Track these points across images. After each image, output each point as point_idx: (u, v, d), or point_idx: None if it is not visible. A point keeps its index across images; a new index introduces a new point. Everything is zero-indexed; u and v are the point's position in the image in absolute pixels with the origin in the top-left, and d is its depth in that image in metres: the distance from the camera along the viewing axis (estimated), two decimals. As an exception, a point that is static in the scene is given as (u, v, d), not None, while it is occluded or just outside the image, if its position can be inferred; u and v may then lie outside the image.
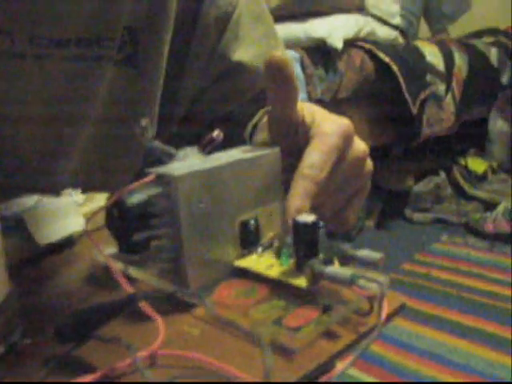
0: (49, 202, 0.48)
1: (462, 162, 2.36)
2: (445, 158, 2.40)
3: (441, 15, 2.45)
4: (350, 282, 0.32)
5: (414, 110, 1.85)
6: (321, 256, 0.35)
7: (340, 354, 0.31)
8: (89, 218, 0.50)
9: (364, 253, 0.35)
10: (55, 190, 0.53)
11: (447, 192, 2.18)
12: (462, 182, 2.26)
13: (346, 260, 0.35)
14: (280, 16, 1.72)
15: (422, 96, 1.91)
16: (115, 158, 0.60)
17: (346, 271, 0.32)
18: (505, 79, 2.46)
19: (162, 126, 0.61)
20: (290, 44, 1.68)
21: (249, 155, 0.39)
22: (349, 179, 0.43)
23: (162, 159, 0.41)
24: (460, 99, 2.12)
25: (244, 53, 0.62)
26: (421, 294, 1.54)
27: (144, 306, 0.33)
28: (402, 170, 2.35)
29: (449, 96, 2.07)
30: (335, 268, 0.33)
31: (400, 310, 0.35)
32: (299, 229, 0.34)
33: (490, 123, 2.46)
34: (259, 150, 0.40)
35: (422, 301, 1.49)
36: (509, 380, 1.17)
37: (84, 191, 0.55)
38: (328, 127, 0.41)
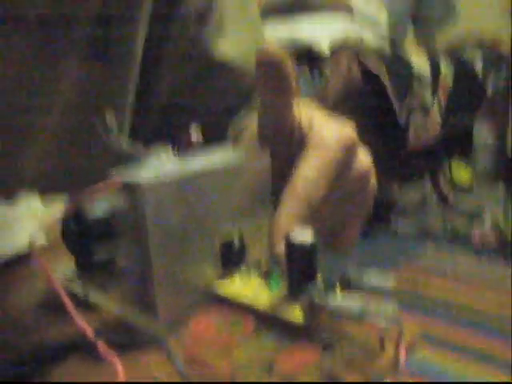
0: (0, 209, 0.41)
1: (447, 169, 2.32)
2: (430, 166, 2.37)
3: (429, 23, 2.44)
4: (358, 319, 0.26)
5: (402, 120, 1.82)
6: (319, 281, 0.29)
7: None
8: (46, 228, 0.44)
9: (373, 277, 0.29)
10: (10, 194, 0.46)
11: (432, 201, 2.14)
12: (447, 191, 2.22)
13: (349, 284, 0.29)
14: (264, 10, 1.67)
15: (409, 105, 1.87)
16: (80, 157, 0.54)
17: (353, 304, 0.26)
18: (489, 89, 2.45)
19: (135, 120, 0.55)
20: (275, 46, 1.63)
21: (233, 161, 0.33)
22: (349, 197, 0.37)
23: (130, 162, 0.34)
24: (446, 108, 2.09)
25: (228, 48, 0.56)
26: (408, 309, 1.48)
27: (102, 346, 0.26)
28: (387, 178, 2.31)
29: (435, 105, 2.04)
30: (339, 300, 0.27)
31: (414, 345, 0.29)
32: (294, 250, 0.28)
33: (475, 132, 2.44)
34: (245, 155, 0.34)
35: (409, 317, 1.43)
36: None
37: (43, 194, 0.48)
38: (328, 137, 0.35)
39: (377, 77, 1.79)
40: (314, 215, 0.34)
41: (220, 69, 0.56)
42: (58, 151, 0.53)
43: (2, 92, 0.49)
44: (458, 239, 1.96)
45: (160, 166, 0.32)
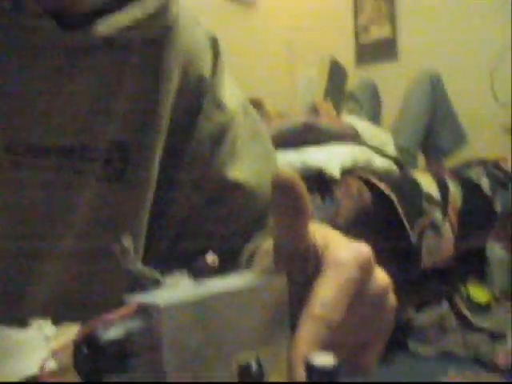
0: (11, 334, 0.41)
1: (464, 290, 2.28)
2: (445, 286, 2.33)
3: (438, 150, 2.52)
4: None
5: (414, 239, 1.82)
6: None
7: None
8: (55, 354, 0.43)
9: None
10: (22, 320, 0.46)
11: (452, 323, 2.08)
12: (465, 312, 2.16)
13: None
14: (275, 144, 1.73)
15: (421, 225, 1.88)
16: (96, 281, 0.54)
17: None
18: (498, 207, 2.47)
19: (149, 245, 0.55)
20: (286, 172, 1.68)
21: (250, 284, 0.33)
22: (368, 317, 0.36)
23: (147, 286, 0.34)
24: (457, 227, 2.10)
25: (240, 172, 0.58)
26: None
27: None
28: (401, 301, 2.26)
29: (446, 224, 2.05)
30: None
31: None
32: (315, 375, 0.27)
33: (488, 251, 2.42)
34: (262, 278, 0.34)
35: None
36: None
37: (56, 322, 0.47)
38: (344, 256, 0.35)
39: (387, 198, 1.82)
40: (332, 338, 0.33)
41: (233, 191, 0.58)
42: (71, 276, 0.53)
43: (18, 216, 0.50)
44: (481, 360, 1.87)
45: (177, 288, 0.32)
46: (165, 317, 0.27)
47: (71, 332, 0.47)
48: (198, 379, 0.29)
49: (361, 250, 0.36)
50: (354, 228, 1.82)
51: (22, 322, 0.45)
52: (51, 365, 0.41)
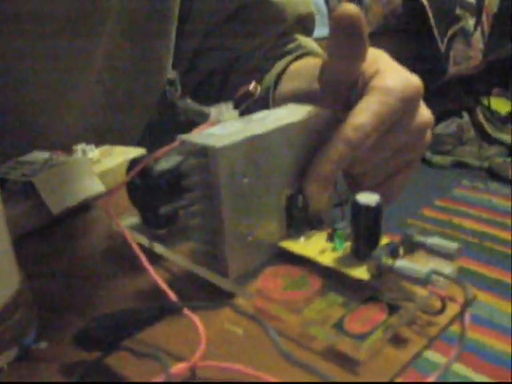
0: (60, 160, 0.43)
1: (486, 102, 2.26)
2: (468, 98, 2.30)
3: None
4: (425, 282, 0.27)
5: (442, 48, 1.76)
6: (385, 243, 0.30)
7: (409, 365, 0.26)
8: (105, 175, 0.45)
9: (437, 242, 0.29)
10: (65, 144, 0.47)
11: (470, 134, 2.09)
12: (485, 123, 2.17)
13: (411, 247, 0.30)
14: None
15: (451, 32, 1.81)
16: (129, 105, 0.54)
17: (419, 267, 0.27)
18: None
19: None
20: (313, -27, 1.57)
21: (298, 117, 0.33)
22: (403, 149, 0.36)
23: (194, 119, 0.35)
24: (489, 35, 2.01)
25: None
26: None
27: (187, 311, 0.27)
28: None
29: (477, 32, 1.96)
30: (407, 263, 0.27)
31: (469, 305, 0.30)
32: (360, 211, 0.29)
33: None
34: (308, 111, 0.34)
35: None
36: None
37: (96, 144, 0.49)
38: (390, 84, 0.33)
39: (417, 1, 1.72)
40: (362, 162, 0.34)
41: (260, 3, 0.55)
42: (99, 104, 0.54)
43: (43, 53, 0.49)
44: (495, 172, 1.93)
45: (226, 124, 0.32)
46: (221, 157, 0.28)
47: (114, 154, 0.49)
48: (251, 214, 0.31)
49: (410, 80, 0.34)
50: (381, 35, 1.75)
51: (63, 145, 0.47)
52: (101, 187, 0.43)
